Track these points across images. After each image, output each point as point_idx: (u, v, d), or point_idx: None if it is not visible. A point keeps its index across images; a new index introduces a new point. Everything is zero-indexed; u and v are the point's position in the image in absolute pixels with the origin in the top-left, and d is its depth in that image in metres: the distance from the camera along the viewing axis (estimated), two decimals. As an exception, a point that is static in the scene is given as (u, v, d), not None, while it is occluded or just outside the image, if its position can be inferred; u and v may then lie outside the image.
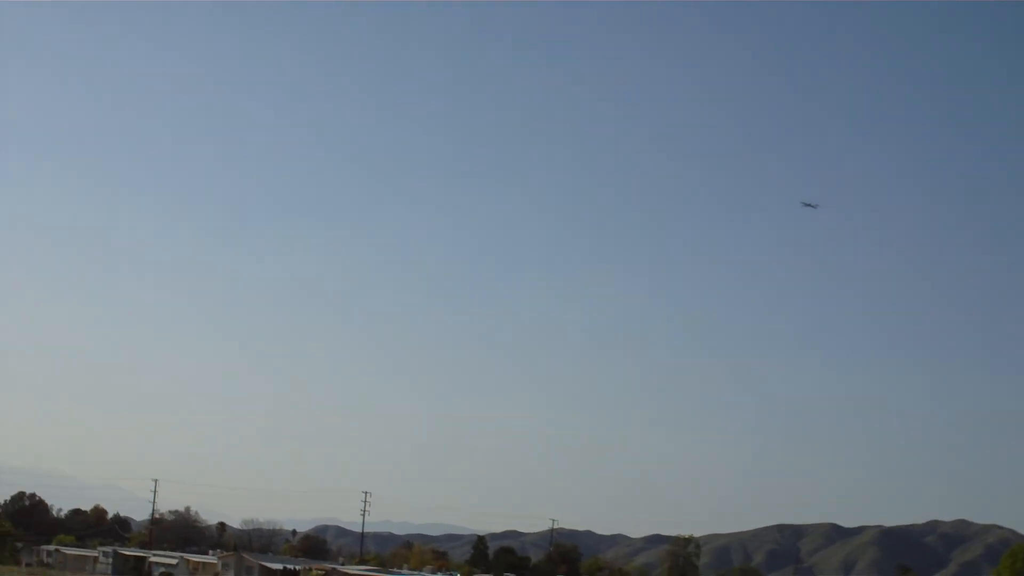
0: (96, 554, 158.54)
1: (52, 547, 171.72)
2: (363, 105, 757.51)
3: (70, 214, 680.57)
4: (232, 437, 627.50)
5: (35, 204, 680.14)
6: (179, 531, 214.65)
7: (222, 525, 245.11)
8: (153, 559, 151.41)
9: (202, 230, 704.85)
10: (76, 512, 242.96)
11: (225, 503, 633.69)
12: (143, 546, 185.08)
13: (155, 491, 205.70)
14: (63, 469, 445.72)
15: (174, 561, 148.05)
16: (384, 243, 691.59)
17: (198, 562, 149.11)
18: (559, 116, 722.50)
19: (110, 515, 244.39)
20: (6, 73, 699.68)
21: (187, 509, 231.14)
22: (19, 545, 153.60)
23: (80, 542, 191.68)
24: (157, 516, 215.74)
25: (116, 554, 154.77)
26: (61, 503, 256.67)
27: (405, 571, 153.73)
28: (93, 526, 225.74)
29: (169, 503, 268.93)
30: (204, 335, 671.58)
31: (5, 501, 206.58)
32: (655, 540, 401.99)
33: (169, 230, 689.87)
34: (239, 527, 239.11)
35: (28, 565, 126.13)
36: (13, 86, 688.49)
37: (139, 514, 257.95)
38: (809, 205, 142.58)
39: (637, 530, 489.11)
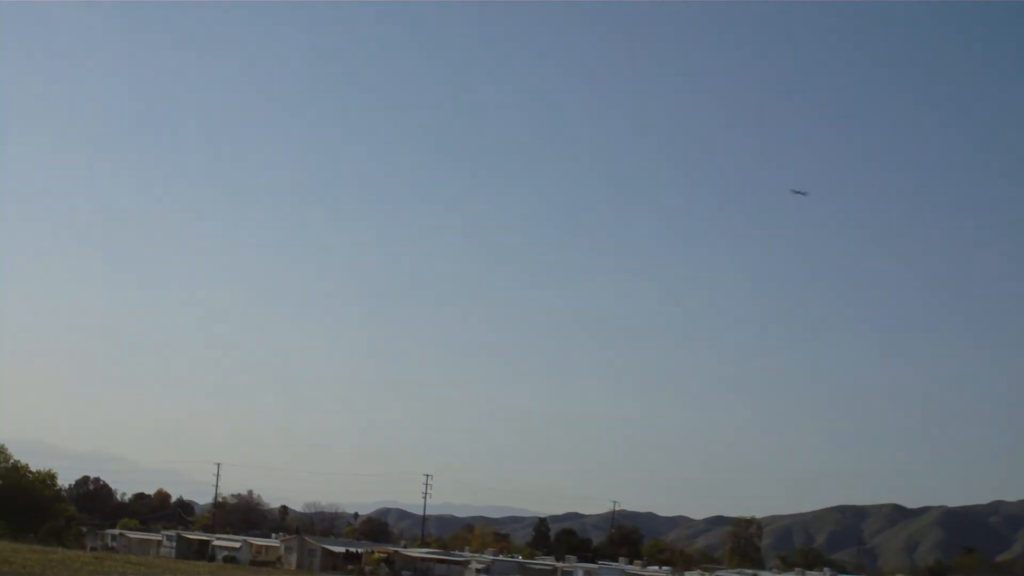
0: (160, 538, 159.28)
1: (116, 531, 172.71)
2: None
3: (128, 198, 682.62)
4: (294, 421, 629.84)
5: (93, 190, 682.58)
6: (242, 515, 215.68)
7: (284, 508, 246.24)
8: (216, 542, 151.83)
9: (262, 217, 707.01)
10: (140, 496, 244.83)
11: (287, 487, 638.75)
12: (206, 529, 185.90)
13: (218, 475, 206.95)
14: (127, 454, 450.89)
15: (237, 544, 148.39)
16: (450, 224, 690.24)
17: (261, 545, 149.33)
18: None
19: (173, 499, 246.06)
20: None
21: (249, 493, 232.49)
22: (84, 529, 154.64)
23: (144, 526, 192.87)
24: (220, 500, 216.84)
25: (180, 538, 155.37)
26: (125, 487, 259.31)
27: (467, 553, 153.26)
28: (156, 510, 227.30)
29: (232, 487, 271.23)
30: (265, 318, 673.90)
31: (70, 486, 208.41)
32: (717, 522, 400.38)
33: (228, 219, 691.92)
34: (301, 510, 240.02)
35: (93, 549, 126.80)
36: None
37: (202, 498, 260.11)
38: (799, 192, 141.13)
39: (699, 512, 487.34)
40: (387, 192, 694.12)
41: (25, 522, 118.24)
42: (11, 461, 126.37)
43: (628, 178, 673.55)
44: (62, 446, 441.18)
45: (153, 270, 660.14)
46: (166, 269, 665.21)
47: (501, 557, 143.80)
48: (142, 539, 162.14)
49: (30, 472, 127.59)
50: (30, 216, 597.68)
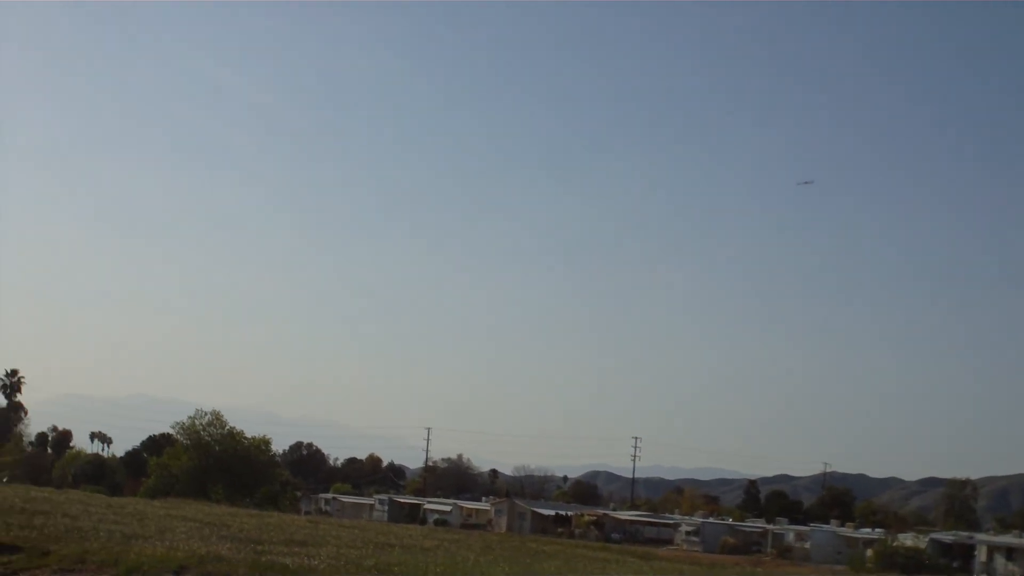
0: (372, 501, 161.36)
1: (330, 495, 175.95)
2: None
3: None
4: (503, 384, 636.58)
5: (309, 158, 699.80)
6: (452, 478, 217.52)
7: (494, 472, 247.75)
8: (427, 506, 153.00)
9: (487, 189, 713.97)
10: (351, 461, 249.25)
11: (497, 450, 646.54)
12: (417, 493, 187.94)
13: (428, 439, 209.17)
14: (338, 419, 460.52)
15: (448, 508, 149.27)
16: (663, 182, 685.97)
17: (471, 508, 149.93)
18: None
19: (384, 463, 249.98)
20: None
21: (459, 456, 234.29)
22: (298, 494, 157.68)
23: (356, 490, 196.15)
24: (430, 464, 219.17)
25: (391, 501, 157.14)
26: (337, 452, 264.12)
27: (676, 516, 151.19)
28: (368, 474, 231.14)
29: (442, 451, 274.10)
30: (473, 283, 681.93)
31: (284, 451, 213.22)
32: (930, 483, 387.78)
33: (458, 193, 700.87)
34: (511, 474, 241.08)
35: (307, 513, 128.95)
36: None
37: (412, 462, 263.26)
38: (806, 183, 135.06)
39: (911, 473, 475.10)
40: (596, 158, 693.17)
41: (241, 487, 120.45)
42: (227, 428, 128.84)
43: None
44: (276, 413, 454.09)
45: (369, 243, 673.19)
46: (382, 240, 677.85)
47: (711, 519, 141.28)
48: (355, 503, 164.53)
49: (245, 438, 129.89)
50: (265, 198, 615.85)
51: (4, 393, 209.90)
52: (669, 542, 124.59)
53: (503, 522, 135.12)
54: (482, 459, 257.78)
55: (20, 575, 22.98)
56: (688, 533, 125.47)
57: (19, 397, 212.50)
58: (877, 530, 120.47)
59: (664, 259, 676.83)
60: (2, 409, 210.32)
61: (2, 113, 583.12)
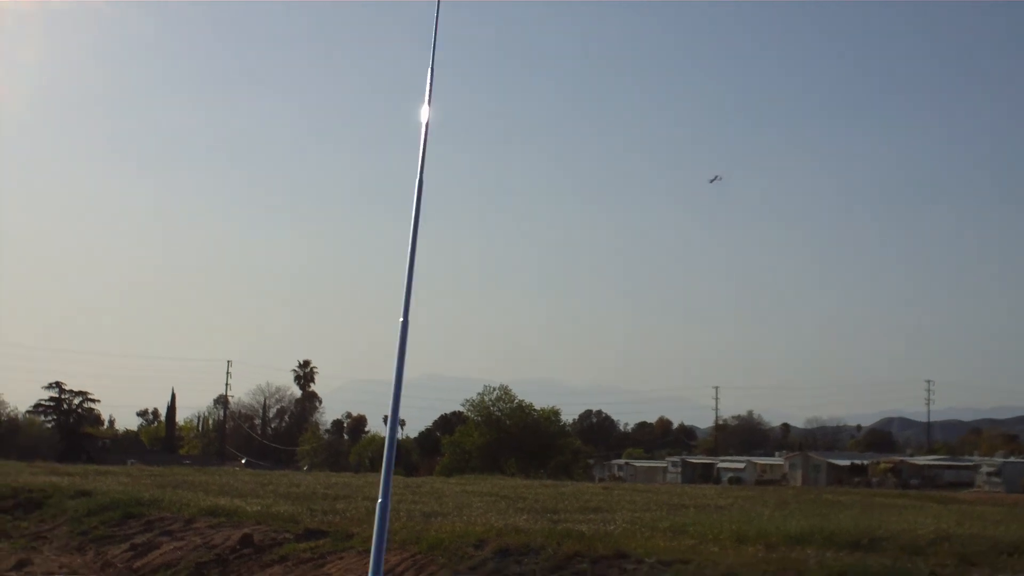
0: (665, 464, 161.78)
1: (622, 461, 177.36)
2: None
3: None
4: (789, 337, 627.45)
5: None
6: (743, 435, 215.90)
7: (785, 426, 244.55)
8: (720, 464, 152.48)
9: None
10: (641, 425, 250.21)
11: (787, 404, 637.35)
12: (709, 453, 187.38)
13: (716, 398, 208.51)
14: (625, 385, 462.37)
15: (741, 465, 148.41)
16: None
17: (765, 464, 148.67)
18: None
19: (674, 425, 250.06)
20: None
21: (749, 413, 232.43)
22: (590, 461, 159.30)
23: (648, 454, 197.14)
24: (720, 423, 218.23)
25: (684, 462, 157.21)
26: (626, 418, 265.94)
27: (975, 457, 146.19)
28: (659, 437, 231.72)
29: (731, 409, 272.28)
30: (749, 239, 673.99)
31: (573, 420, 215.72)
32: None
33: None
34: (802, 427, 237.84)
35: (600, 480, 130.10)
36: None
37: (702, 422, 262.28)
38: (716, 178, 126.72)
39: None
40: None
41: (534, 459, 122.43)
42: (515, 401, 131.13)
43: None
44: (561, 382, 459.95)
45: (643, 211, 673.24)
46: (653, 205, 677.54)
47: (1012, 459, 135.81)
48: (647, 467, 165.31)
49: (535, 410, 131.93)
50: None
51: (299, 384, 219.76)
52: (970, 485, 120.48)
53: (798, 476, 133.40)
54: (772, 414, 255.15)
55: (327, 558, 23.89)
56: (989, 474, 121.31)
57: (313, 387, 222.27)
58: None
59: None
60: (298, 399, 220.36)
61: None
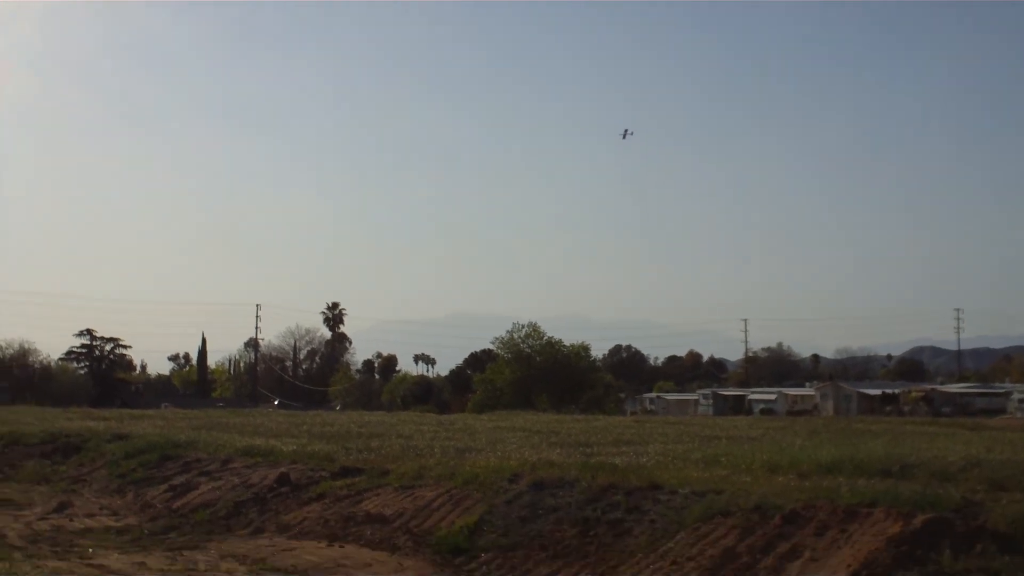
0: (696, 397, 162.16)
1: (653, 394, 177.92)
2: None
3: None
4: (816, 267, 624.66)
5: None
6: (773, 367, 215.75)
7: (815, 357, 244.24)
8: (751, 396, 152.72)
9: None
10: (671, 359, 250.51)
11: (816, 334, 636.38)
12: (740, 385, 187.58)
13: (745, 331, 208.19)
14: (653, 318, 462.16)
15: (772, 396, 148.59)
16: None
17: (796, 395, 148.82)
18: None
19: (704, 358, 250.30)
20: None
21: (779, 345, 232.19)
22: (622, 396, 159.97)
23: (679, 387, 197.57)
24: (750, 354, 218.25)
25: (715, 395, 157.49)
26: (656, 352, 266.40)
27: (1007, 384, 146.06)
28: (689, 370, 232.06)
29: (761, 341, 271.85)
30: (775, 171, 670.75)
31: (603, 356, 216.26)
32: None
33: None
34: (832, 357, 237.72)
35: (632, 413, 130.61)
36: None
37: (732, 355, 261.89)
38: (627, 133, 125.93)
39: None
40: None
41: (565, 394, 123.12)
42: (544, 338, 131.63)
43: None
44: (588, 317, 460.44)
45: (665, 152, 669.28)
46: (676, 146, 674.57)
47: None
48: (679, 400, 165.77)
49: (564, 346, 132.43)
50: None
51: (328, 325, 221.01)
52: (1002, 412, 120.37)
53: (829, 406, 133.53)
54: (802, 345, 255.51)
55: (365, 495, 24.14)
56: (1020, 401, 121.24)
57: (342, 328, 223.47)
58: None
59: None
60: (327, 341, 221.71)
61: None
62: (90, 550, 20.61)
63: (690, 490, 19.41)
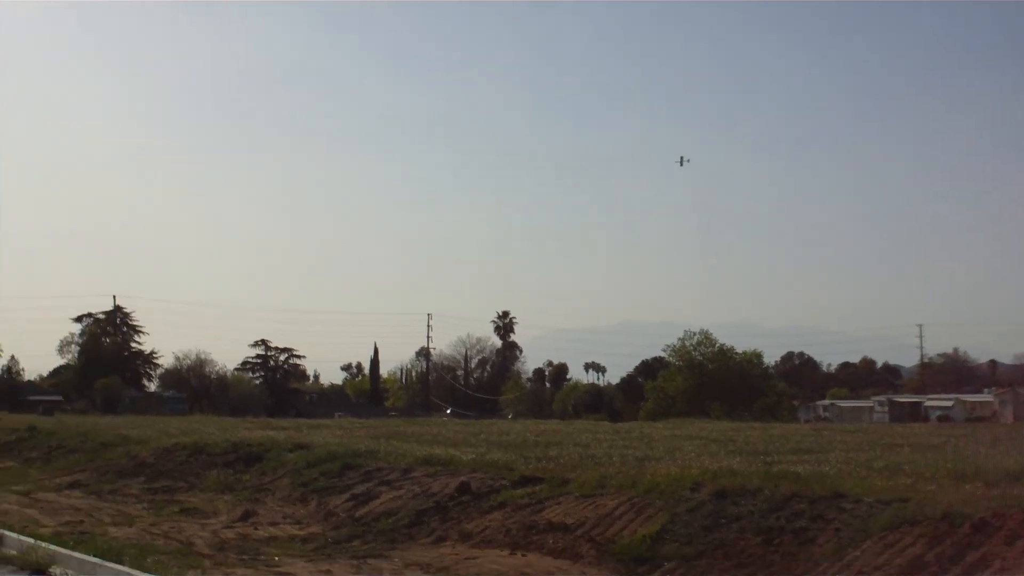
0: (871, 404, 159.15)
1: (827, 401, 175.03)
2: None
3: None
4: (988, 269, 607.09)
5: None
6: (950, 373, 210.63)
7: (992, 362, 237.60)
8: (928, 403, 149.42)
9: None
10: (845, 365, 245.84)
11: (993, 339, 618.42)
12: (915, 391, 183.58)
13: (921, 336, 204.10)
14: (826, 325, 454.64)
15: (949, 403, 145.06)
16: None
17: (974, 402, 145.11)
18: None
19: (879, 365, 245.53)
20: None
21: (955, 350, 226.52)
22: (795, 403, 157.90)
23: (853, 393, 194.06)
24: (926, 360, 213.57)
25: (891, 402, 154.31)
26: (829, 358, 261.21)
27: None
28: (863, 377, 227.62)
29: (936, 347, 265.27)
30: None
31: (775, 363, 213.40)
32: None
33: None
34: (1011, 362, 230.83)
35: (806, 421, 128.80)
36: None
37: (906, 361, 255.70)
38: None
39: None
40: None
41: (738, 402, 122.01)
42: (717, 345, 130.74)
43: None
44: (759, 325, 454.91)
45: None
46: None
47: None
48: (853, 407, 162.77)
49: (736, 354, 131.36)
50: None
51: (499, 334, 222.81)
52: None
53: (1008, 412, 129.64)
54: (979, 350, 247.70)
55: (546, 503, 24.35)
56: None
57: (512, 336, 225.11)
58: None
59: None
60: (498, 350, 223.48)
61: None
62: (276, 558, 21.22)
63: (875, 499, 19.24)
